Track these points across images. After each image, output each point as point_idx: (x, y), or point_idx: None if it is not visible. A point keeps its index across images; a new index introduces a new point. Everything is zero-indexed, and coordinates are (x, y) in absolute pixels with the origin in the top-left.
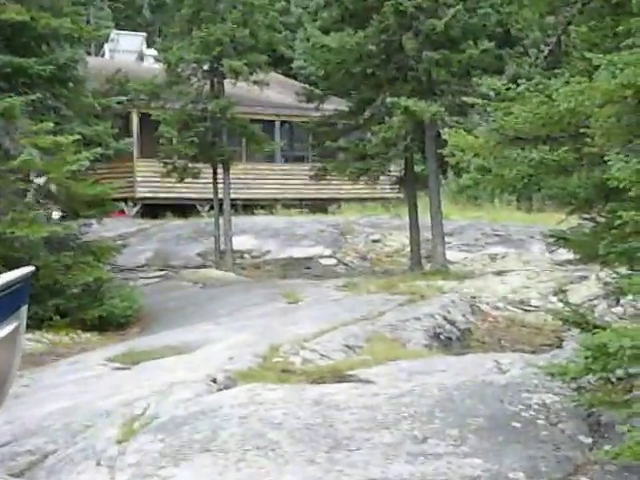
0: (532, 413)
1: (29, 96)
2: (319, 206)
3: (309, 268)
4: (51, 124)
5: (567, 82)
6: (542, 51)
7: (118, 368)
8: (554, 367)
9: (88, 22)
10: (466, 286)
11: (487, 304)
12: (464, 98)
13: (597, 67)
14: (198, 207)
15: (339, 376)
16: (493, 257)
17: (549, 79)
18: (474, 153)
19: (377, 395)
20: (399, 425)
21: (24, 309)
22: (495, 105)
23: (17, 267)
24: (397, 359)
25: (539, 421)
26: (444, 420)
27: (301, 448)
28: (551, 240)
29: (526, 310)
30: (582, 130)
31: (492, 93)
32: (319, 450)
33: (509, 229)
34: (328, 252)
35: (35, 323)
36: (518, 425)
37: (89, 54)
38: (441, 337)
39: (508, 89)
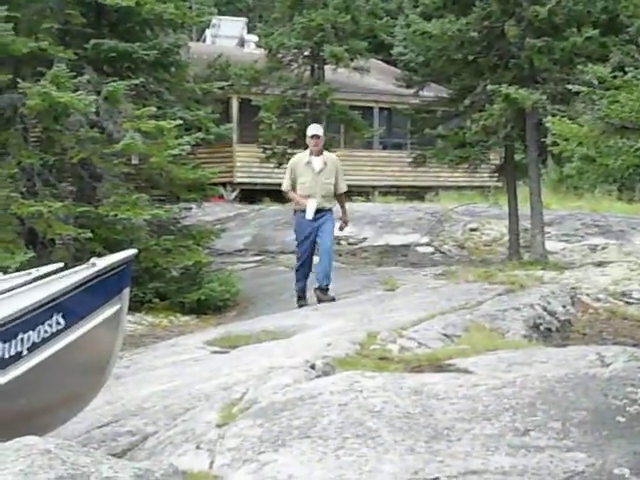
0: (637, 408)
1: (132, 80)
2: (416, 193)
3: (406, 255)
4: (154, 108)
5: None
6: None
7: (216, 351)
8: None
9: (190, 8)
10: (566, 277)
11: (587, 295)
12: (569, 86)
13: None
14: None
15: (437, 365)
16: (593, 248)
17: None
18: (578, 142)
19: (477, 385)
20: (500, 417)
21: (126, 291)
22: (600, 93)
23: (119, 250)
24: (496, 349)
25: None
26: (546, 413)
27: (401, 437)
28: None
29: (628, 302)
30: None
31: (596, 81)
32: (419, 440)
33: (609, 220)
34: (425, 240)
35: (135, 305)
36: (622, 420)
37: (191, 39)
38: (541, 328)
39: (615, 77)
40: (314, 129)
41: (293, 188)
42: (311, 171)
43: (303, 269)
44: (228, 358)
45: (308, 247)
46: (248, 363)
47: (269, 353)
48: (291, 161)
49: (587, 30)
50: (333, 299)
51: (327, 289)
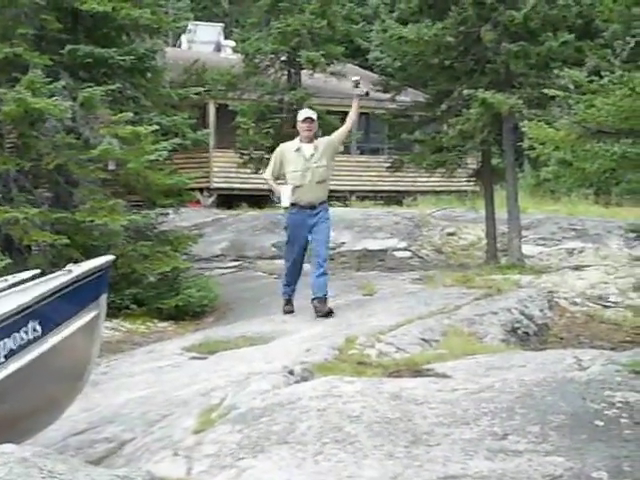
0: (615, 411)
1: (109, 86)
2: (394, 198)
3: (383, 260)
4: (130, 114)
5: None
6: (628, 43)
7: (194, 357)
8: (638, 364)
9: (167, 13)
10: (543, 281)
11: (565, 299)
12: (545, 90)
13: None
14: (273, 198)
15: (416, 370)
16: (570, 252)
17: (629, 72)
18: (554, 146)
19: (456, 390)
20: (479, 421)
21: (104, 297)
22: (577, 98)
23: (96, 256)
24: (474, 354)
25: (622, 420)
26: (524, 417)
27: (380, 442)
28: (631, 235)
29: (605, 306)
30: None
31: (572, 85)
32: (398, 445)
33: (586, 223)
34: (403, 244)
35: (113, 311)
36: (601, 423)
37: (167, 45)
38: (518, 332)
39: (591, 81)
40: (307, 112)
41: (277, 178)
42: (302, 158)
43: (293, 270)
44: (206, 364)
45: (300, 247)
46: (227, 369)
47: (247, 359)
48: (278, 149)
49: (563, 35)
50: (331, 311)
51: (325, 299)
